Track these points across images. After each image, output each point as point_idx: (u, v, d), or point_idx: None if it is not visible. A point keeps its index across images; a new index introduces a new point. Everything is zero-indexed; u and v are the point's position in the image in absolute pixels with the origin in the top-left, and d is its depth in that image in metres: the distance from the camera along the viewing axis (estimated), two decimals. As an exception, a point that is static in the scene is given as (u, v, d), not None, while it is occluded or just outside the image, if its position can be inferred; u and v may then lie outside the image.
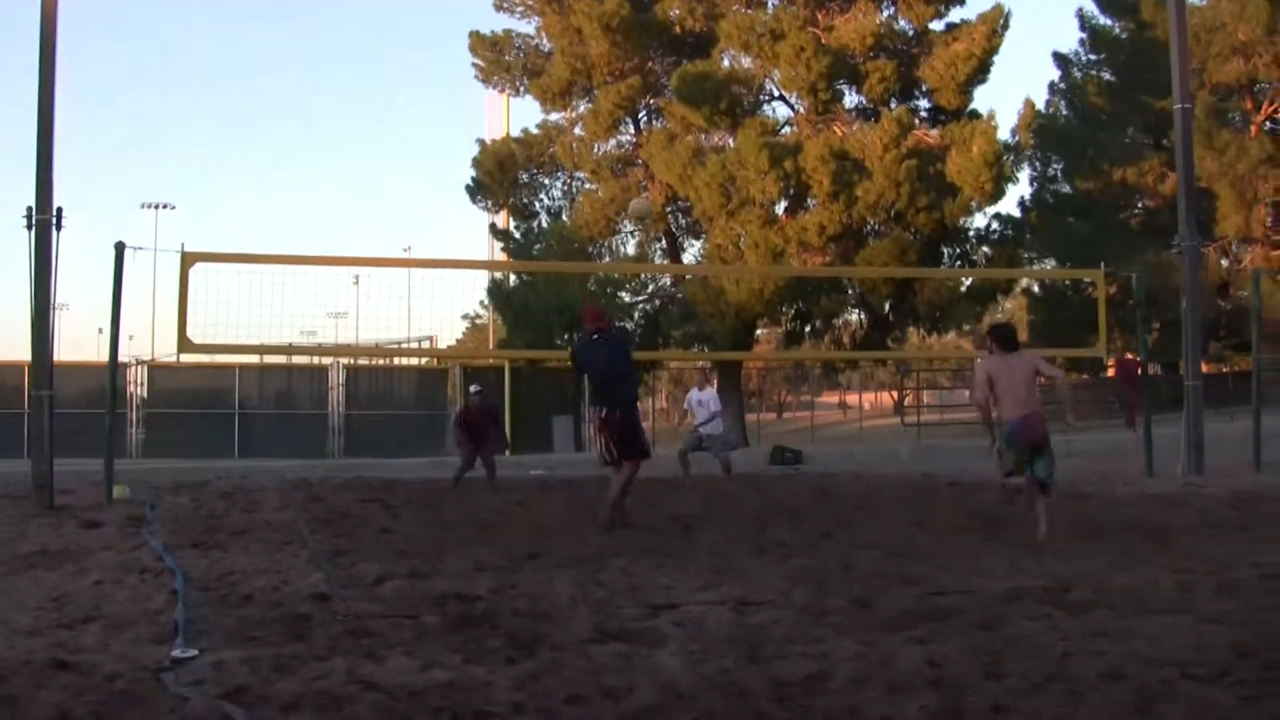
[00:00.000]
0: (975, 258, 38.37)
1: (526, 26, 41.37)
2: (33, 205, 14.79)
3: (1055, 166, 46.66)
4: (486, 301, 44.07)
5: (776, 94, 38.50)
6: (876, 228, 36.11)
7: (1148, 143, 44.22)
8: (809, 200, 35.61)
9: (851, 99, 37.87)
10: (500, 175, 40.27)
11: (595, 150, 39.53)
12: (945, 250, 37.82)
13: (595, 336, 12.88)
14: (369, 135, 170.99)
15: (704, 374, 21.75)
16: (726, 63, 37.86)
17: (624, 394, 12.72)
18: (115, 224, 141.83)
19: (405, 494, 16.78)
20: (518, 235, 41.82)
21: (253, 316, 17.51)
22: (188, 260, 15.86)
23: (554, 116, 41.33)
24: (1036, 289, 47.75)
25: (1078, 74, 46.89)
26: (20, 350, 21.99)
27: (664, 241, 40.80)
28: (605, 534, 11.62)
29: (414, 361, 44.09)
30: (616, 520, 12.25)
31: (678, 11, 38.12)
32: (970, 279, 37.55)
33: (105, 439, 16.29)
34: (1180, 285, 19.58)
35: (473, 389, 20.68)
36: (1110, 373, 40.75)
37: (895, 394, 57.36)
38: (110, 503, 15.08)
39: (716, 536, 11.40)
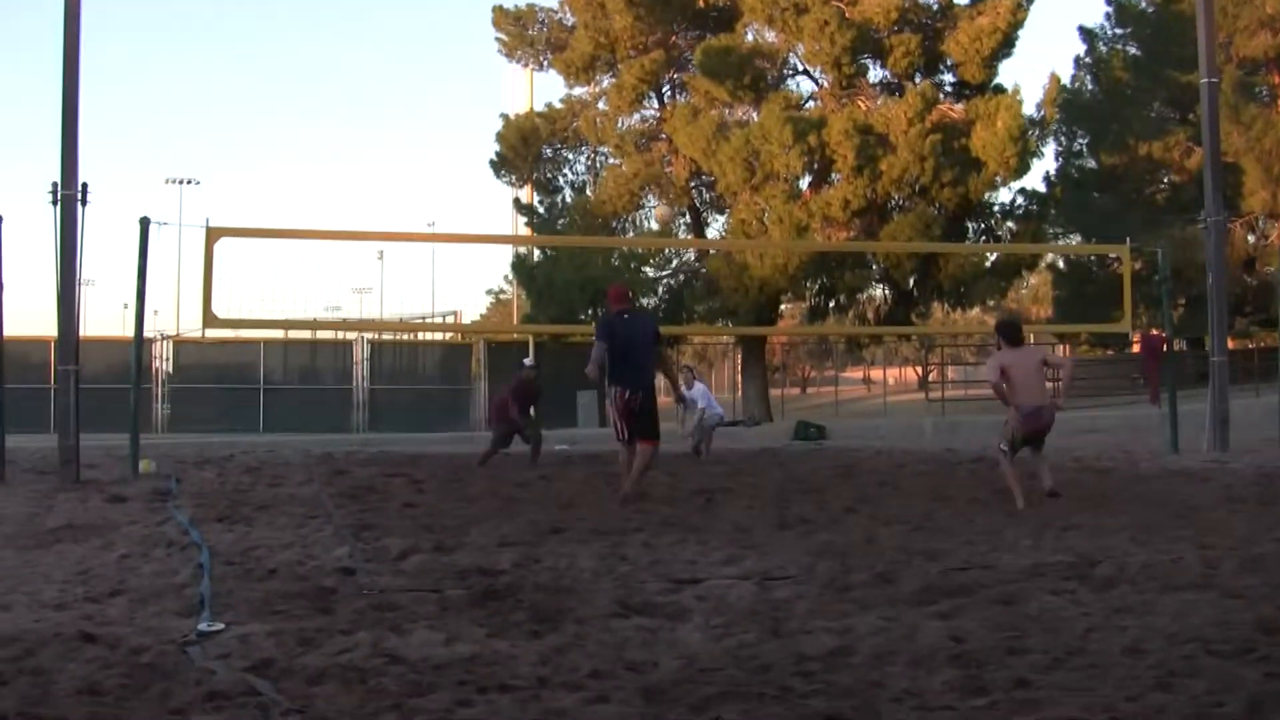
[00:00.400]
0: (1000, 233, 38.22)
1: (550, 0, 41.34)
2: (58, 181, 14.86)
3: (1080, 141, 46.37)
4: (510, 276, 44.13)
5: (800, 68, 38.31)
6: (900, 202, 35.95)
7: (1173, 117, 43.93)
8: (833, 175, 35.48)
9: (876, 73, 37.69)
10: (524, 150, 40.18)
11: (619, 124, 39.39)
12: (969, 225, 37.68)
13: (624, 315, 12.90)
14: (393, 110, 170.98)
15: (689, 371, 21.75)
16: (750, 37, 37.69)
17: (648, 375, 12.73)
18: (140, 199, 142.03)
19: (429, 468, 16.85)
20: (541, 210, 41.74)
21: (277, 292, 17.62)
22: (212, 235, 15.91)
23: (577, 91, 41.20)
24: (1061, 264, 47.50)
25: (1103, 48, 46.59)
26: (47, 326, 22.13)
27: (688, 216, 40.73)
28: (626, 507, 11.67)
29: (438, 336, 44.20)
30: (636, 496, 12.29)
31: (701, -15, 38.01)
32: (995, 254, 37.38)
33: (130, 414, 16.39)
34: (1206, 261, 19.50)
35: (527, 363, 20.54)
36: (1135, 348, 40.64)
37: (919, 369, 57.25)
38: (136, 477, 15.19)
39: (739, 511, 11.44)
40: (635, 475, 12.35)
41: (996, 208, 37.85)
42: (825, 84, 37.01)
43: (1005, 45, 35.42)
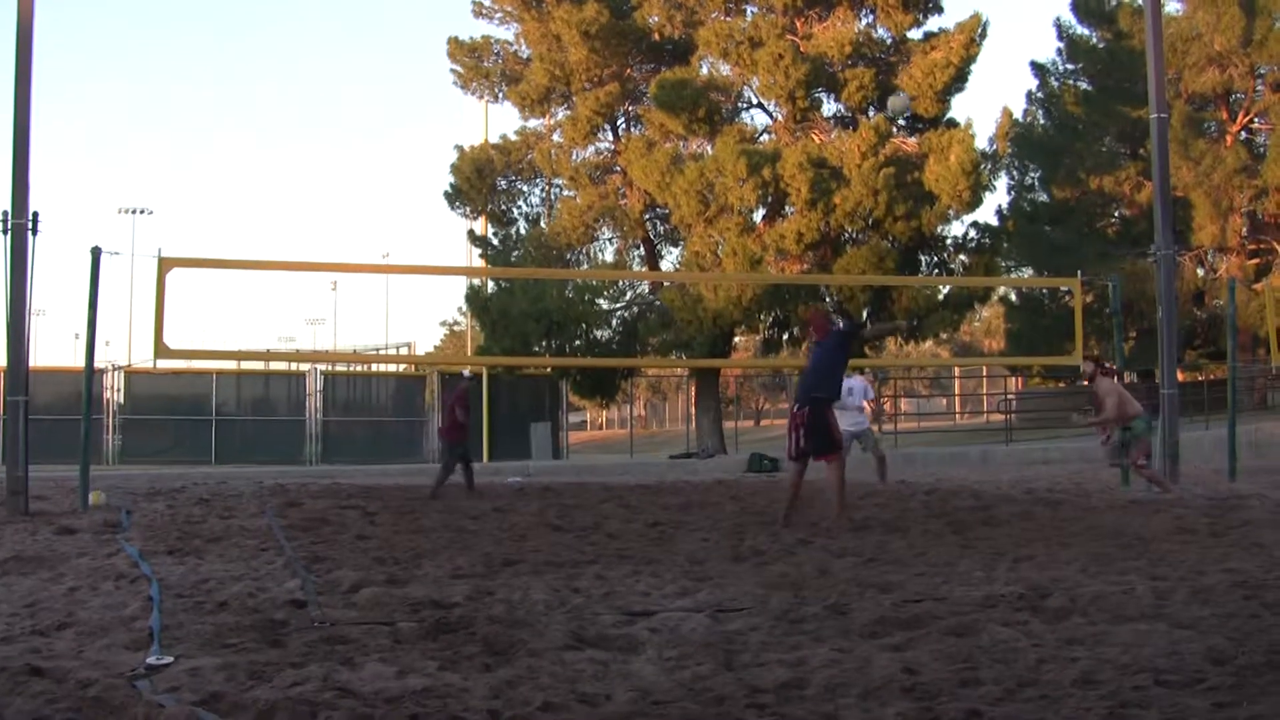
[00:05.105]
0: (953, 266, 38.36)
1: (505, 33, 41.27)
2: (8, 209, 14.75)
3: (1032, 175, 46.71)
4: (464, 308, 44.02)
5: (755, 101, 38.47)
6: (854, 235, 36.08)
7: (1124, 152, 44.35)
8: (787, 208, 35.58)
9: (830, 107, 37.86)
10: (478, 181, 40.13)
11: (574, 157, 39.41)
12: (922, 258, 37.82)
13: (817, 342, 13.89)
14: (347, 141, 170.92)
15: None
16: (705, 70, 37.79)
17: (810, 392, 13.27)
18: (92, 229, 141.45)
19: (382, 500, 16.75)
20: (496, 242, 41.70)
21: (230, 322, 17.56)
22: (165, 265, 15.81)
23: (532, 123, 41.26)
24: (1014, 297, 47.78)
25: (1055, 83, 46.99)
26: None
27: (642, 249, 40.77)
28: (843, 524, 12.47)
29: (392, 368, 44.10)
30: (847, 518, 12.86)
31: (656, 18, 38.08)
32: (947, 287, 37.54)
33: (81, 445, 16.24)
34: (1156, 294, 19.65)
35: (466, 373, 20.25)
36: (1086, 381, 40.83)
37: (872, 402, 57.34)
38: (86, 509, 15.04)
39: (693, 543, 11.42)
40: (836, 501, 12.99)
41: (949, 241, 38.02)
42: (780, 117, 37.17)
43: (958, 79, 35.65)
